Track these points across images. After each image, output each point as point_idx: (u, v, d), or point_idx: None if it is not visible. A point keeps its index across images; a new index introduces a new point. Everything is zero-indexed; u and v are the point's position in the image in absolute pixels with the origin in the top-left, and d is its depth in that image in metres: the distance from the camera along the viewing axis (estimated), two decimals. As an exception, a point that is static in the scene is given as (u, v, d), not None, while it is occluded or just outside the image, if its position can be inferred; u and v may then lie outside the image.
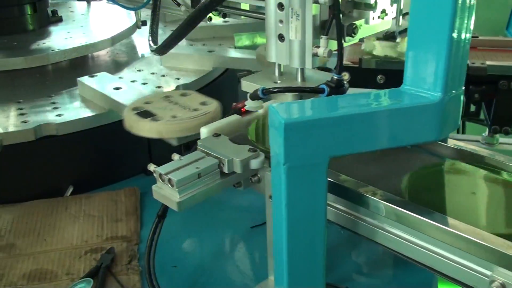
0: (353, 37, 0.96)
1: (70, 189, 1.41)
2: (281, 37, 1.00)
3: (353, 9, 0.98)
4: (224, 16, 1.32)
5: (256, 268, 1.18)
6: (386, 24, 1.03)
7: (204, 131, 1.08)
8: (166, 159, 1.59)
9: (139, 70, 1.77)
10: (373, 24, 0.99)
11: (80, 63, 1.84)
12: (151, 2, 1.38)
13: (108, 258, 1.13)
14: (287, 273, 0.83)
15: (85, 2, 2.38)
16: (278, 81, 1.08)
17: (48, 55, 1.64)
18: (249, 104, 1.07)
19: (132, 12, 2.12)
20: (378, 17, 0.99)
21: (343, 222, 0.90)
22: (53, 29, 1.92)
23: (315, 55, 0.99)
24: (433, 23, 0.74)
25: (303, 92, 1.03)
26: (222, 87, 1.81)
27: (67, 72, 1.82)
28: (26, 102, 1.51)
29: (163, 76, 1.70)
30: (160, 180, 0.91)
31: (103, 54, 1.94)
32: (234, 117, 1.11)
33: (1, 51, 1.71)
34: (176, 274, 1.15)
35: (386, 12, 1.00)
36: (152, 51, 1.16)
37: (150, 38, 1.19)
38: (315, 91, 1.01)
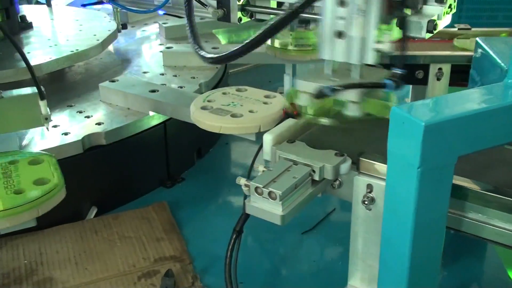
0: (432, 33, 0.94)
1: (94, 211, 1.29)
2: (339, 34, 0.97)
3: (423, 4, 0.97)
4: (252, 16, 1.27)
5: (325, 276, 1.14)
6: (447, 20, 1.02)
7: (268, 138, 1.02)
8: (182, 170, 1.51)
9: (144, 72, 1.69)
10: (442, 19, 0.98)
11: (57, 74, 1.67)
12: (168, 3, 1.28)
13: (170, 282, 1.05)
14: (407, 282, 0.80)
15: (44, 6, 2.20)
16: (334, 79, 1.05)
17: (41, 65, 1.48)
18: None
19: (106, 15, 1.99)
20: (446, 13, 0.98)
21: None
22: (28, 36, 1.74)
23: (377, 50, 0.97)
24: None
25: (375, 88, 1.01)
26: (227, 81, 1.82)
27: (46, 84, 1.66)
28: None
29: (175, 76, 1.64)
30: (256, 194, 0.85)
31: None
32: (291, 121, 1.07)
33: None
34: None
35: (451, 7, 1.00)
36: (208, 61, 1.05)
37: (197, 47, 1.07)
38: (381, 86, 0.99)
